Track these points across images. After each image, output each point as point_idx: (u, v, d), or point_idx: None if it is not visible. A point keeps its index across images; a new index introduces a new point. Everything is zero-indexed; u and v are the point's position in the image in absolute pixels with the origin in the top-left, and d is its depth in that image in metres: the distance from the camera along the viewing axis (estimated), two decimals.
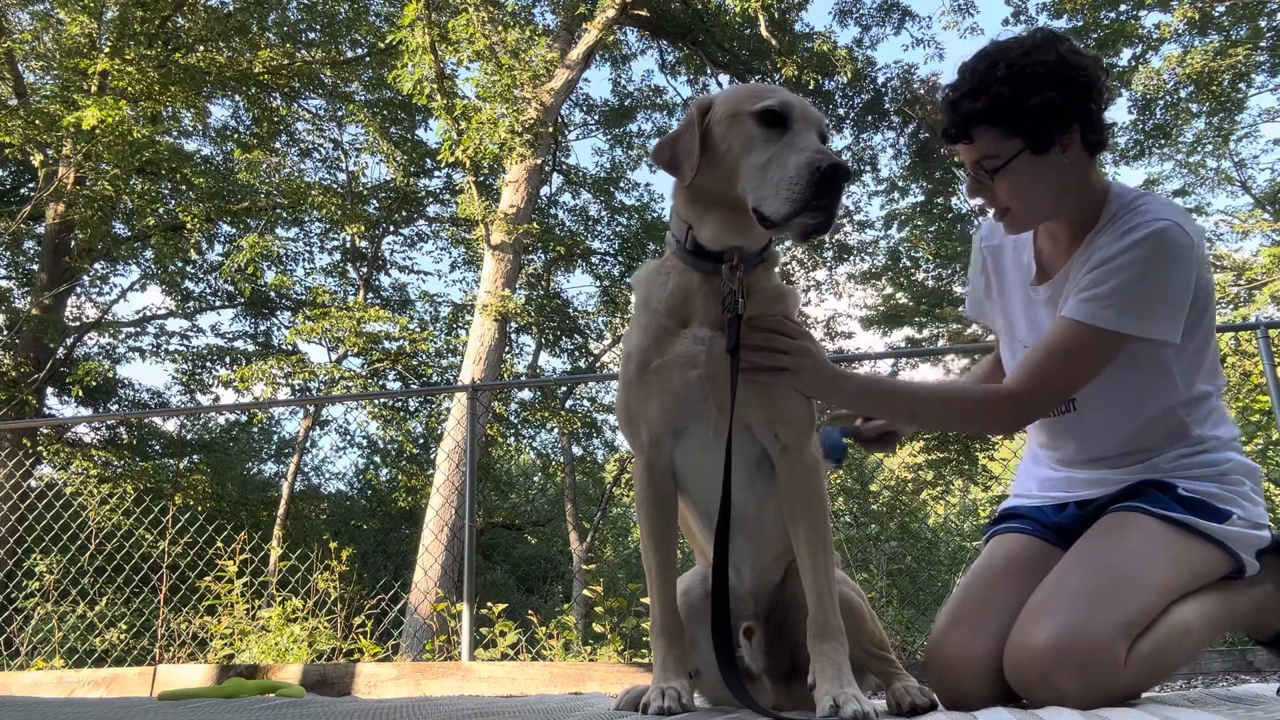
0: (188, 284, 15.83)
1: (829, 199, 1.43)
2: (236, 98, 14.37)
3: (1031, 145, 1.64)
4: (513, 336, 14.13)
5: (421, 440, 16.00)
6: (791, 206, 1.43)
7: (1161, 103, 13.39)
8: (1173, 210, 1.65)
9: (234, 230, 14.26)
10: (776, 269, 1.73)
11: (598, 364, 16.33)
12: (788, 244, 15.82)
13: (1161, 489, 1.69)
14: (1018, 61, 1.62)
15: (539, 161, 11.12)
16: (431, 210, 16.31)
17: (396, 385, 14.34)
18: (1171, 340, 1.62)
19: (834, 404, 1.77)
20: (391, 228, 16.14)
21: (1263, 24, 12.37)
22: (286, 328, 15.42)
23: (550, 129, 11.34)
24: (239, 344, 16.27)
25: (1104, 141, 1.69)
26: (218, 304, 16.34)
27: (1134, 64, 13.36)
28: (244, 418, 18.61)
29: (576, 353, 16.09)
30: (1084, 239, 1.71)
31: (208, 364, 16.12)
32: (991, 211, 1.81)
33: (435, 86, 9.67)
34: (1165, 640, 1.56)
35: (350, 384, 13.39)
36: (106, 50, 11.64)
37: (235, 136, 15.15)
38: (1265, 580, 1.76)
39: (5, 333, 13.13)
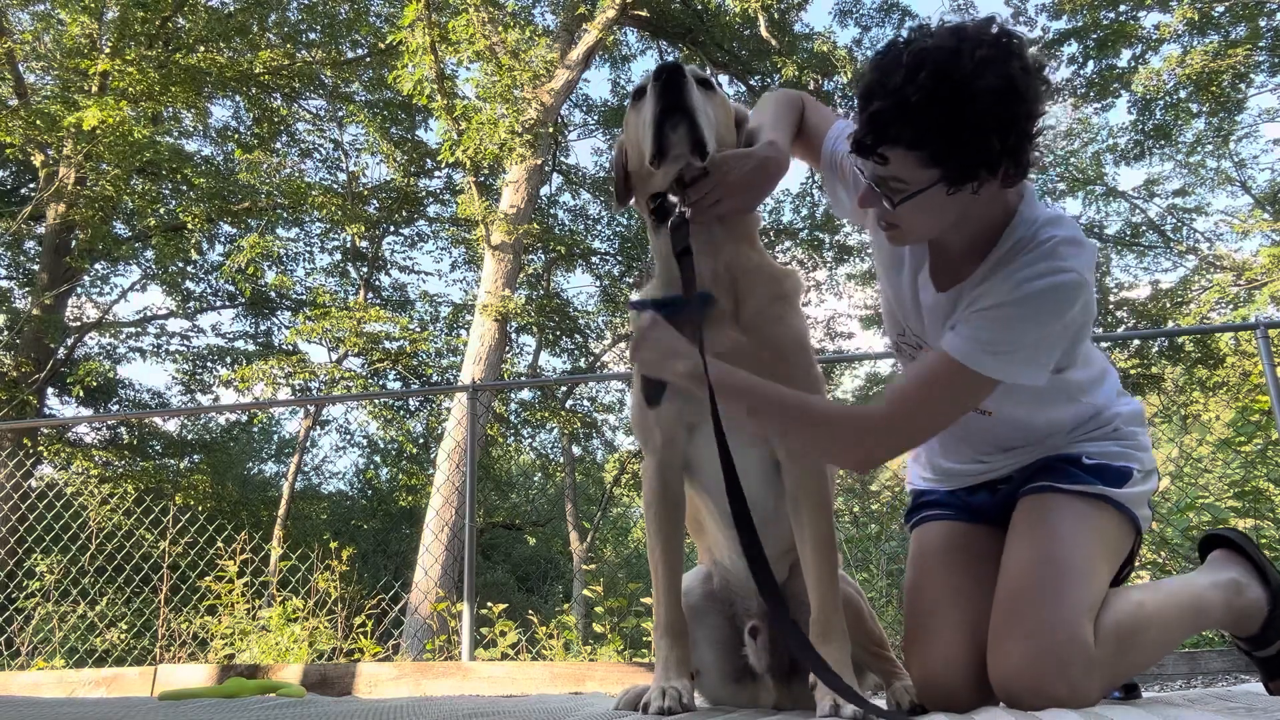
0: (188, 284, 15.85)
1: (670, 96, 1.50)
2: (237, 98, 14.38)
3: (948, 181, 1.43)
4: (513, 336, 14.13)
5: (421, 440, 16.01)
6: (653, 125, 1.52)
7: (1161, 103, 13.39)
8: (1076, 250, 1.52)
9: (234, 230, 14.27)
10: (757, 234, 1.75)
11: (598, 364, 16.33)
12: (787, 244, 15.83)
13: (1068, 461, 1.73)
14: (964, 84, 1.35)
15: (539, 161, 11.12)
16: (431, 210, 16.33)
17: (397, 385, 14.35)
18: (1040, 383, 1.59)
19: (659, 372, 1.58)
20: (391, 228, 16.15)
21: (1263, 24, 12.38)
22: (287, 328, 15.42)
23: (550, 129, 11.35)
24: (239, 344, 16.31)
25: (1025, 174, 1.49)
26: (218, 304, 16.36)
27: (1134, 64, 13.36)
28: (244, 418, 18.63)
29: (576, 353, 16.10)
30: (980, 260, 1.59)
31: (208, 364, 16.16)
32: (872, 214, 1.63)
33: (435, 87, 9.67)
34: (1121, 613, 1.60)
35: (350, 384, 13.40)
36: (107, 51, 11.65)
37: (236, 137, 15.15)
38: (1230, 568, 1.83)
39: (6, 333, 13.13)
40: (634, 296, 1.69)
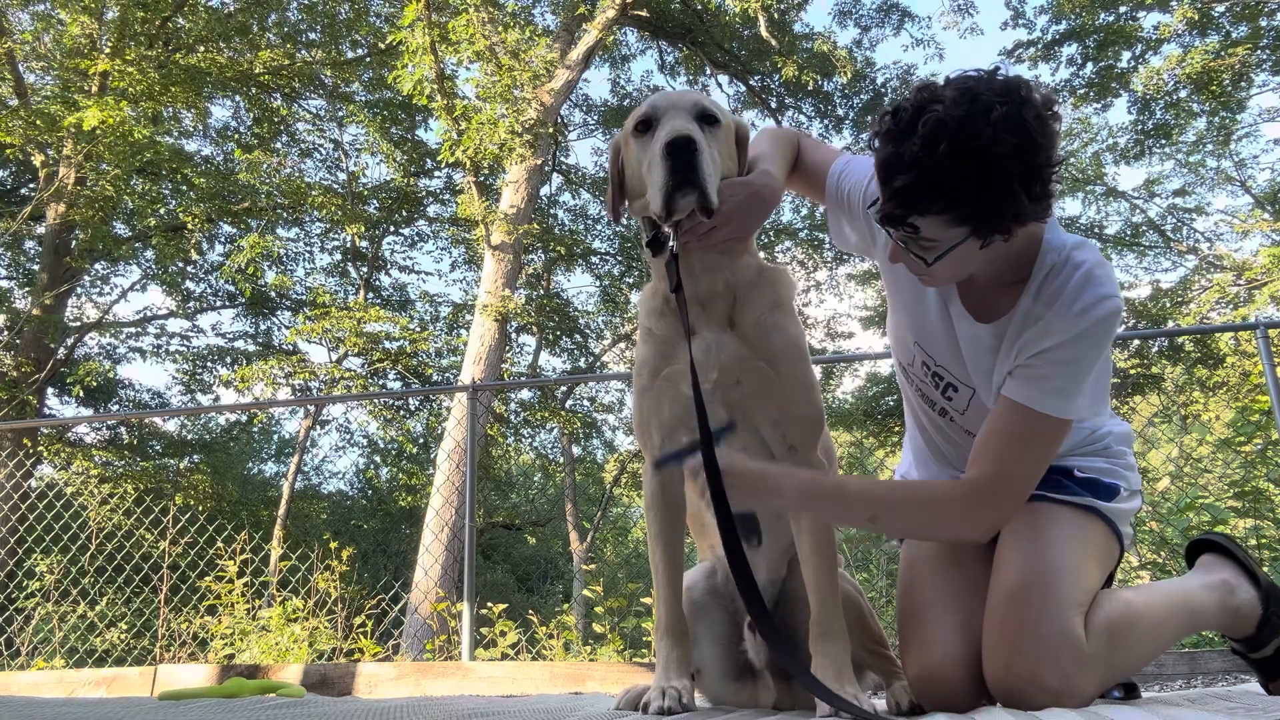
0: (188, 284, 15.85)
1: (682, 172, 1.50)
2: (237, 98, 14.38)
3: (979, 235, 1.46)
4: (513, 336, 14.13)
5: (421, 440, 16.01)
6: (663, 193, 1.52)
7: (1161, 103, 13.39)
8: (1108, 273, 1.57)
9: (234, 230, 14.28)
10: (753, 243, 1.75)
11: (598, 364, 16.33)
12: (787, 244, 15.83)
13: (1060, 473, 1.74)
14: (986, 150, 1.36)
15: (539, 161, 11.12)
16: (431, 210, 16.33)
17: (397, 385, 14.35)
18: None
19: (776, 508, 1.65)
20: (391, 228, 16.16)
21: (1263, 24, 12.38)
22: (287, 328, 15.43)
23: (550, 129, 11.35)
24: (239, 344, 16.30)
25: (1051, 211, 1.50)
26: (218, 304, 16.36)
27: (1134, 64, 13.36)
28: (244, 418, 18.63)
29: (576, 352, 16.10)
30: (1012, 287, 1.62)
31: (208, 364, 16.15)
32: (880, 247, 1.68)
33: (435, 87, 9.68)
34: (1111, 610, 1.61)
35: (350, 384, 13.40)
36: (107, 51, 11.65)
37: (236, 137, 15.15)
38: (1220, 570, 1.85)
39: (6, 333, 13.13)
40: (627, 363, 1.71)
